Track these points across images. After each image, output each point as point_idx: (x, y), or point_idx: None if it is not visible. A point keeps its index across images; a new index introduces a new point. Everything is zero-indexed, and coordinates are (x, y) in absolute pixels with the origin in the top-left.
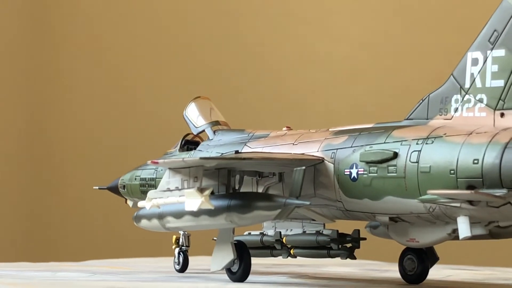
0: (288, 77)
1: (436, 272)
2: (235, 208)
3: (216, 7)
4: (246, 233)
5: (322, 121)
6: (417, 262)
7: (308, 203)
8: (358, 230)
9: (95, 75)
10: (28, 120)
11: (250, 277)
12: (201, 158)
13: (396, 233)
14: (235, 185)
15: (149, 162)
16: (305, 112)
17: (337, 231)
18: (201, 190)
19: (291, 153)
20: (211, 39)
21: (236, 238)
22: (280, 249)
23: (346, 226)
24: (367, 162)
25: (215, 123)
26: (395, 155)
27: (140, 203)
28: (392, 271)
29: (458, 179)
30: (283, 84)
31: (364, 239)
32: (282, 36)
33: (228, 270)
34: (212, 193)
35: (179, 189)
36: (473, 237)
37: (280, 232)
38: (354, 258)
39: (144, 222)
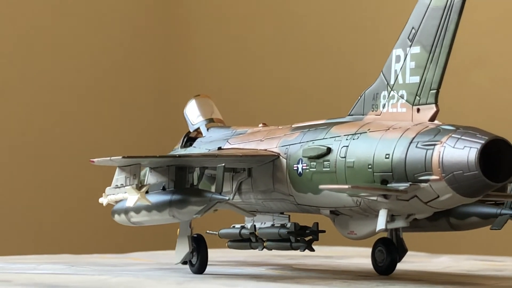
0: None
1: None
2: (175, 204)
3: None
4: (231, 226)
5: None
6: (386, 253)
7: (227, 198)
8: (317, 223)
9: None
10: None
11: (217, 269)
12: (123, 157)
13: (340, 225)
14: (193, 181)
15: (89, 160)
16: None
17: (295, 224)
18: (139, 187)
19: (246, 149)
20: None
21: (222, 231)
22: (256, 242)
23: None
24: (309, 158)
25: (209, 121)
26: (329, 150)
27: (100, 199)
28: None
29: (374, 174)
30: None
31: (323, 231)
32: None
33: (190, 262)
34: (163, 189)
35: (124, 186)
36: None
37: (255, 225)
38: (312, 250)
39: (116, 217)
